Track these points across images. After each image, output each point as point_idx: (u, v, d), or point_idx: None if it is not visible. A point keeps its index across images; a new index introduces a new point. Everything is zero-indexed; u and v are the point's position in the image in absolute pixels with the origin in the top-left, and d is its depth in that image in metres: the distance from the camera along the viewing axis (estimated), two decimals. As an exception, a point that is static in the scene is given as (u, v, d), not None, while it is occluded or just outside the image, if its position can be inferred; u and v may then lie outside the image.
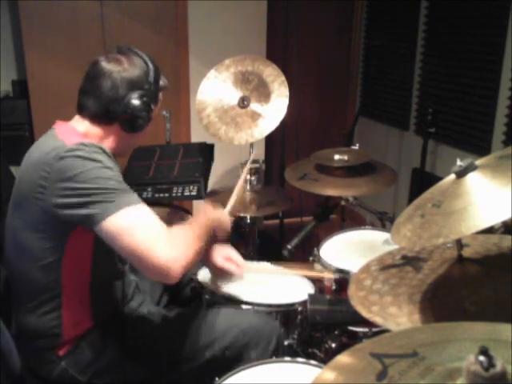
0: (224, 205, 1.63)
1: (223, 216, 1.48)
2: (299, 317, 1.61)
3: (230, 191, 2.18)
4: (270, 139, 3.42)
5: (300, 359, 1.31)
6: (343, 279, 1.70)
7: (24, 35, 3.05)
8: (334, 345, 1.71)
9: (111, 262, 1.43)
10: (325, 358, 1.68)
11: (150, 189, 2.25)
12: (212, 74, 2.30)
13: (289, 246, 1.92)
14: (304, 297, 1.60)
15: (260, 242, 2.58)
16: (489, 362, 0.55)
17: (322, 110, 3.88)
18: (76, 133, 1.33)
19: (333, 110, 3.93)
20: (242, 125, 2.22)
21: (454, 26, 2.79)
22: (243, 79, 2.27)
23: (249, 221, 2.34)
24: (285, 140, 2.90)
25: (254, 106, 2.24)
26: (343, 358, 0.68)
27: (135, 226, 1.18)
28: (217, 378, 1.21)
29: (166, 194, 2.24)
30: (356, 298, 1.06)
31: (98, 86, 1.32)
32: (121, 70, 1.33)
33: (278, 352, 1.46)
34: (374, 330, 1.65)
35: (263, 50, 3.44)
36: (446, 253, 1.11)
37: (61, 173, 1.20)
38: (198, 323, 1.46)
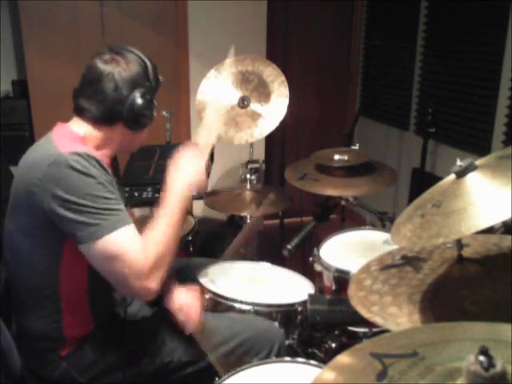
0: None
1: (191, 166, 1.40)
2: (299, 317, 1.61)
3: (230, 190, 2.18)
4: (270, 139, 3.42)
5: (300, 359, 1.31)
6: (343, 279, 1.70)
7: (24, 35, 3.05)
8: (334, 345, 1.72)
9: None
10: (325, 358, 1.68)
11: (149, 189, 2.25)
12: (212, 73, 2.30)
13: (289, 246, 1.92)
14: (304, 297, 1.60)
15: (260, 241, 2.58)
16: (489, 362, 0.55)
17: (322, 110, 3.88)
18: (75, 137, 1.32)
19: (333, 110, 3.92)
20: (242, 125, 2.22)
21: (454, 26, 2.79)
22: (243, 79, 2.27)
23: (249, 220, 2.34)
24: (285, 140, 2.90)
25: (254, 105, 2.24)
26: (343, 358, 0.68)
27: (115, 255, 1.20)
28: (217, 378, 1.21)
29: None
30: (356, 297, 1.06)
31: (101, 89, 1.31)
32: (120, 70, 1.33)
33: (279, 354, 1.46)
34: (374, 330, 1.66)
35: (263, 50, 3.44)
36: (446, 253, 1.11)
37: (53, 181, 1.19)
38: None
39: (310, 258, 1.88)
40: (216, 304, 1.59)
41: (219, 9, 3.35)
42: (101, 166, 1.24)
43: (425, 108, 3.00)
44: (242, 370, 1.25)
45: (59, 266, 1.29)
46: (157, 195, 2.24)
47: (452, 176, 0.95)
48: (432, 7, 2.98)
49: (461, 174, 0.92)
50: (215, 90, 2.27)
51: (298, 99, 2.57)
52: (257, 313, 1.56)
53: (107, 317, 1.43)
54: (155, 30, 3.30)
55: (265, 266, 1.89)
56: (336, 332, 1.74)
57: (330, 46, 3.79)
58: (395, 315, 0.98)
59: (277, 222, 3.02)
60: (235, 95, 2.25)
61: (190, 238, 2.32)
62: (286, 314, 1.60)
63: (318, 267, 1.84)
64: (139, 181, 2.29)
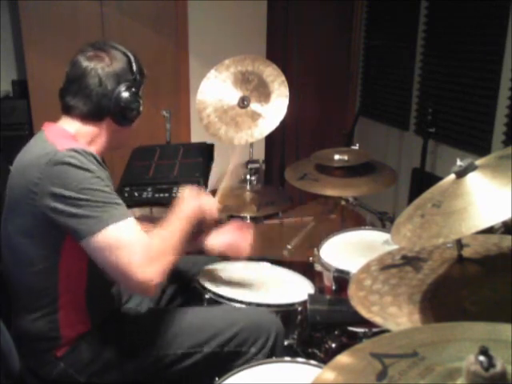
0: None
1: (207, 203, 1.47)
2: (299, 317, 1.61)
3: (230, 190, 2.18)
4: (270, 139, 3.42)
5: (300, 359, 1.31)
6: (343, 279, 1.70)
7: (24, 35, 3.05)
8: (334, 345, 1.72)
9: None
10: (325, 358, 1.68)
11: (149, 189, 2.25)
12: (212, 74, 2.29)
13: (289, 246, 1.92)
14: (304, 297, 1.60)
15: (260, 241, 2.57)
16: (489, 362, 0.55)
17: (322, 110, 3.88)
18: (67, 135, 1.32)
19: (333, 110, 3.93)
20: (242, 125, 2.22)
21: (454, 26, 2.79)
22: (243, 79, 2.27)
23: (249, 220, 2.34)
24: (285, 140, 2.90)
25: (254, 105, 2.24)
26: (343, 358, 0.68)
27: (117, 247, 1.19)
28: (217, 378, 1.21)
29: (166, 194, 2.24)
30: (356, 297, 1.06)
31: (85, 84, 1.32)
32: (104, 65, 1.34)
33: (277, 346, 1.46)
34: (374, 330, 1.65)
35: (263, 50, 3.44)
36: (446, 253, 1.11)
37: (52, 179, 1.20)
38: (197, 319, 1.46)
39: (310, 258, 1.88)
40: (216, 304, 1.59)
41: (219, 9, 3.35)
42: (97, 161, 1.25)
43: (425, 108, 3.00)
44: (242, 370, 1.25)
45: (58, 265, 1.29)
46: (157, 195, 2.24)
47: (452, 176, 0.95)
48: (432, 7, 2.98)
49: (461, 173, 0.92)
50: (215, 89, 2.27)
51: (297, 99, 2.57)
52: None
53: (104, 315, 1.43)
54: (155, 30, 3.31)
55: (265, 266, 1.89)
56: (336, 332, 1.74)
57: (330, 46, 3.79)
58: (395, 315, 0.98)
59: (277, 222, 3.02)
60: (235, 95, 2.25)
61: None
62: (285, 314, 1.60)
63: (318, 267, 1.84)
64: (139, 181, 2.29)
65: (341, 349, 1.68)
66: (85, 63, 1.33)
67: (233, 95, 2.26)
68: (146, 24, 3.28)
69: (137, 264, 1.20)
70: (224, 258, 1.92)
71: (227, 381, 1.21)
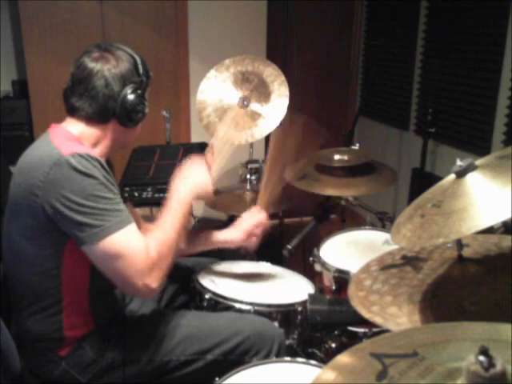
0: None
1: (201, 183, 1.46)
2: (299, 317, 1.61)
3: (230, 190, 2.18)
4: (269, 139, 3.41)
5: (300, 359, 1.31)
6: (343, 279, 1.70)
7: (24, 35, 3.05)
8: (334, 345, 1.72)
9: None
10: (325, 358, 1.68)
11: (149, 189, 2.25)
12: (212, 74, 2.29)
13: (289, 246, 1.92)
14: (304, 297, 1.60)
15: (260, 242, 2.57)
16: (489, 362, 0.55)
17: (322, 110, 3.88)
18: (71, 137, 1.32)
19: (333, 110, 3.92)
20: (242, 125, 2.22)
21: (454, 26, 2.79)
22: (243, 79, 2.27)
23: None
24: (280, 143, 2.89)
25: (254, 105, 2.24)
26: (343, 358, 0.68)
27: (118, 254, 1.21)
28: (217, 378, 1.21)
29: (166, 194, 2.24)
30: (356, 298, 1.06)
31: (92, 86, 1.31)
32: (110, 66, 1.33)
33: (279, 354, 1.46)
34: (374, 330, 1.65)
35: (263, 50, 3.44)
36: (446, 253, 1.11)
37: (56, 183, 1.19)
38: (201, 326, 1.46)
39: (310, 258, 1.88)
40: (216, 304, 1.59)
41: (219, 9, 3.35)
42: (102, 166, 1.25)
43: (425, 108, 3.00)
44: (242, 369, 1.25)
45: (61, 266, 1.29)
46: (157, 195, 2.24)
47: (452, 176, 0.95)
48: (432, 7, 2.98)
49: (461, 174, 0.92)
50: (215, 90, 2.27)
51: (297, 99, 2.57)
52: (257, 313, 1.56)
53: (107, 317, 1.43)
54: (155, 30, 3.30)
55: (265, 266, 1.89)
56: (336, 332, 1.74)
57: (330, 46, 3.79)
58: (395, 315, 0.98)
59: (277, 222, 3.02)
60: (235, 95, 2.25)
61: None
62: (285, 314, 1.60)
63: (317, 267, 1.84)
64: (139, 181, 2.29)
65: (341, 349, 1.68)
66: (91, 64, 1.33)
67: (233, 95, 2.26)
68: (145, 24, 3.28)
69: (137, 273, 1.22)
70: (223, 257, 1.92)
71: (227, 381, 1.21)
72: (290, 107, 2.20)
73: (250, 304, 1.57)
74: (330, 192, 1.95)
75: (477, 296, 0.94)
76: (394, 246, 1.14)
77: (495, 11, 2.49)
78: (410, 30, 3.16)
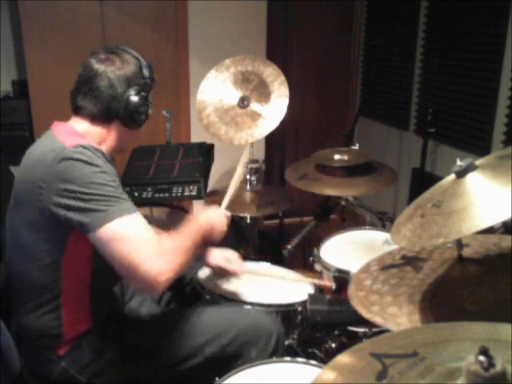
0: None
1: (218, 218, 1.48)
2: (299, 317, 1.61)
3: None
4: (270, 139, 3.42)
5: (300, 359, 1.31)
6: (343, 279, 1.70)
7: (24, 35, 3.05)
8: (334, 345, 1.72)
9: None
10: (325, 358, 1.68)
11: (149, 189, 2.25)
12: (212, 74, 2.30)
13: (289, 246, 1.92)
14: (304, 297, 1.60)
15: (260, 241, 2.58)
16: (489, 362, 0.55)
17: (322, 110, 3.88)
18: (75, 133, 1.33)
19: (333, 110, 3.92)
20: (242, 125, 2.22)
21: (454, 26, 2.79)
22: (243, 79, 2.27)
23: (248, 220, 2.34)
24: (285, 140, 2.90)
25: (254, 105, 2.24)
26: (343, 358, 0.68)
27: (124, 238, 1.18)
28: (217, 378, 1.21)
29: (166, 194, 2.24)
30: (356, 298, 1.06)
31: (96, 86, 1.33)
32: (115, 68, 1.35)
33: (278, 349, 1.46)
34: (374, 330, 1.65)
35: (263, 50, 3.44)
36: (446, 253, 1.11)
37: (59, 174, 1.20)
38: (198, 321, 1.46)
39: (310, 258, 1.88)
40: (216, 304, 1.59)
41: (219, 9, 3.35)
42: (105, 158, 1.27)
43: (425, 108, 3.00)
44: (242, 369, 1.25)
45: (61, 261, 1.29)
46: (157, 195, 2.24)
47: (452, 176, 0.95)
48: (432, 7, 2.98)
49: (461, 173, 0.92)
50: (215, 90, 2.27)
51: (297, 99, 2.57)
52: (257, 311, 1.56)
53: (106, 314, 1.44)
54: (155, 30, 3.30)
55: (265, 266, 1.89)
56: (336, 332, 1.74)
57: (330, 46, 3.79)
58: (395, 315, 0.98)
59: (277, 221, 3.02)
60: (235, 95, 2.25)
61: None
62: (285, 314, 1.60)
63: (317, 267, 1.84)
64: (139, 181, 2.29)
65: (341, 349, 1.68)
66: (96, 65, 1.35)
67: (233, 95, 2.26)
68: (145, 24, 3.27)
69: (143, 256, 1.18)
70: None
71: (227, 381, 1.21)
72: (290, 107, 2.20)
73: (250, 304, 1.57)
74: (330, 192, 1.95)
75: (477, 296, 0.94)
76: (394, 246, 1.14)
77: (495, 11, 2.48)
78: (409, 30, 3.16)
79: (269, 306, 1.58)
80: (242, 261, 1.68)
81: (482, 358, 0.55)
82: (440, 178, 1.02)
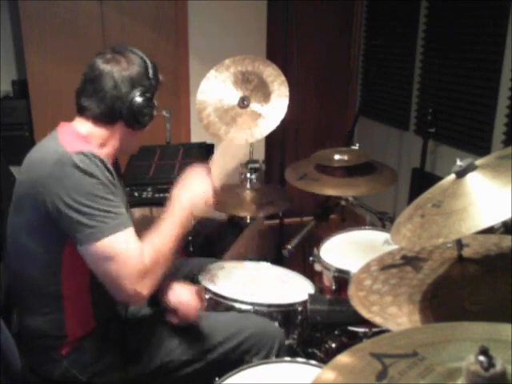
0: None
1: (200, 189, 1.42)
2: (299, 317, 1.61)
3: (230, 190, 2.18)
4: (270, 139, 3.42)
5: (300, 359, 1.31)
6: (343, 279, 1.70)
7: (24, 35, 3.05)
8: (334, 345, 1.72)
9: None
10: (325, 358, 1.68)
11: (149, 189, 2.25)
12: (212, 74, 2.29)
13: (289, 246, 1.92)
14: (304, 297, 1.60)
15: (260, 241, 2.57)
16: (489, 362, 0.55)
17: (322, 110, 3.88)
18: (78, 136, 1.33)
19: (333, 110, 3.92)
20: (242, 125, 2.22)
21: (454, 26, 2.79)
22: (243, 79, 2.27)
23: (248, 220, 2.34)
24: (285, 140, 2.89)
25: (254, 105, 2.24)
26: (343, 358, 0.68)
27: (111, 258, 1.20)
28: (217, 378, 1.21)
29: (166, 194, 2.24)
30: (356, 297, 1.06)
31: (101, 86, 1.33)
32: (120, 68, 1.34)
33: (280, 356, 1.46)
34: (374, 330, 1.65)
35: (263, 50, 3.44)
36: (446, 253, 1.11)
37: (57, 180, 1.20)
38: (203, 326, 1.46)
39: (310, 258, 1.88)
40: (216, 304, 1.59)
41: (219, 9, 3.35)
42: (105, 166, 1.26)
43: (425, 108, 3.00)
44: (242, 369, 1.25)
45: (62, 264, 1.30)
46: (157, 195, 2.24)
47: (452, 176, 0.95)
48: (432, 7, 2.98)
49: (461, 174, 0.92)
50: (215, 90, 2.27)
51: (297, 99, 2.57)
52: (257, 313, 1.56)
53: (108, 316, 1.44)
54: (155, 30, 3.30)
55: (265, 266, 1.89)
56: (336, 332, 1.74)
57: (330, 46, 3.79)
58: (395, 315, 0.98)
59: (277, 221, 3.02)
60: (235, 95, 2.25)
61: (189, 237, 2.32)
62: (286, 314, 1.60)
63: (317, 267, 1.84)
64: (139, 181, 2.29)
65: (341, 349, 1.68)
66: (102, 66, 1.34)
67: (233, 95, 2.26)
68: (145, 24, 3.28)
69: (128, 277, 1.21)
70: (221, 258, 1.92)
71: (227, 381, 1.21)
72: (290, 107, 2.20)
73: (250, 304, 1.57)
74: (330, 192, 1.95)
75: (477, 296, 0.94)
76: (394, 246, 1.14)
77: (495, 11, 2.48)
78: (410, 30, 3.16)
79: (269, 305, 1.58)
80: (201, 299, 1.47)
81: (481, 357, 0.55)
82: (440, 178, 1.01)
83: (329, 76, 3.84)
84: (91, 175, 1.21)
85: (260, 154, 3.43)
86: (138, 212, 2.21)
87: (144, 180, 2.30)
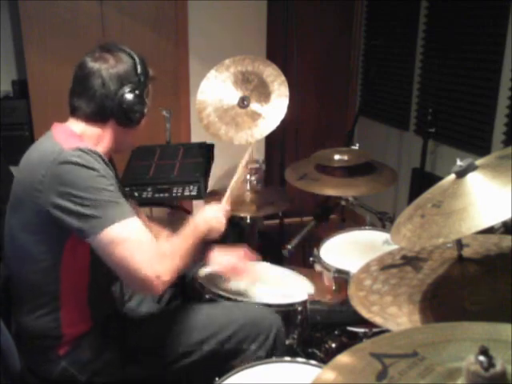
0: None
1: (215, 216, 1.49)
2: (299, 317, 1.61)
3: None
4: (270, 139, 3.42)
5: (300, 359, 1.31)
6: (343, 279, 1.70)
7: (24, 35, 3.05)
8: (334, 345, 1.71)
9: None
10: (325, 358, 1.68)
11: (149, 189, 2.25)
12: (212, 74, 2.29)
13: (289, 246, 1.92)
14: (304, 297, 1.60)
15: (260, 241, 2.58)
16: (489, 362, 0.55)
17: (322, 110, 3.88)
18: (73, 135, 1.33)
19: (333, 110, 3.92)
20: (242, 125, 2.22)
21: (454, 26, 2.79)
22: (243, 79, 2.27)
23: (249, 220, 2.34)
24: (285, 140, 2.89)
25: (254, 105, 2.24)
26: (343, 358, 0.68)
27: (123, 242, 1.19)
28: (217, 378, 1.21)
29: (166, 194, 2.24)
30: (356, 298, 1.06)
31: (89, 85, 1.33)
32: (108, 66, 1.34)
33: (277, 344, 1.46)
34: (374, 330, 1.65)
35: (263, 50, 3.44)
36: (446, 253, 1.11)
37: (57, 177, 1.20)
38: (197, 317, 1.47)
39: (310, 258, 1.88)
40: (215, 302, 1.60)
41: (219, 9, 3.35)
42: (103, 160, 1.26)
43: (425, 108, 3.00)
44: (242, 369, 1.25)
45: (60, 262, 1.29)
46: (157, 195, 2.24)
47: (452, 176, 0.95)
48: (432, 7, 2.98)
49: (461, 173, 0.92)
50: (215, 90, 2.27)
51: (297, 99, 2.57)
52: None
53: (106, 314, 1.44)
54: (155, 30, 3.30)
55: (265, 266, 1.89)
56: (336, 332, 1.74)
57: (330, 46, 3.79)
58: (395, 315, 0.98)
59: (277, 221, 3.02)
60: (235, 95, 2.25)
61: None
62: (286, 314, 1.60)
63: (317, 267, 1.84)
64: (139, 181, 2.29)
65: (341, 349, 1.68)
66: (90, 64, 1.34)
67: (233, 95, 2.26)
68: (145, 24, 3.27)
69: (143, 259, 1.19)
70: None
71: (227, 381, 1.21)
72: (290, 107, 2.20)
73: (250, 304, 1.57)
74: (330, 192, 1.95)
75: (477, 296, 0.94)
76: (394, 246, 1.14)
77: (495, 11, 2.48)
78: (410, 30, 3.16)
79: (269, 306, 1.58)
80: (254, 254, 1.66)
81: (482, 357, 0.55)
82: (440, 178, 1.01)
83: (329, 76, 3.84)
84: (90, 168, 1.21)
85: (260, 154, 3.44)
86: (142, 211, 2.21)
87: (144, 180, 2.30)
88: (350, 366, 0.66)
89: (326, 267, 1.78)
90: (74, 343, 1.36)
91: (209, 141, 2.58)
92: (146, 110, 1.42)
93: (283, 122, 2.21)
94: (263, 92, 2.24)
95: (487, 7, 2.54)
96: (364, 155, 2.08)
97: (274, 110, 2.21)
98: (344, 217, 2.70)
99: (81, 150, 1.23)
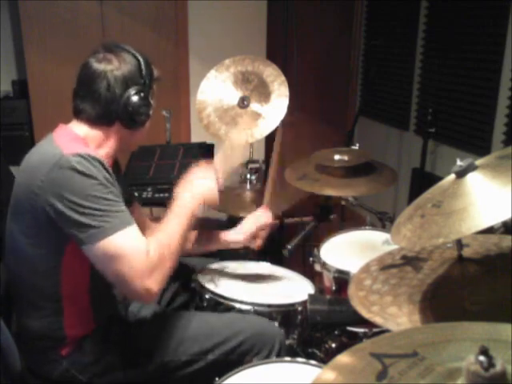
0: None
1: (205, 189, 1.44)
2: (299, 317, 1.61)
3: (230, 190, 2.18)
4: (270, 139, 3.42)
5: (300, 359, 1.31)
6: (343, 279, 1.70)
7: (24, 35, 3.05)
8: (334, 345, 1.72)
9: None
10: (325, 358, 1.68)
11: (149, 189, 2.25)
12: (212, 74, 2.29)
13: (289, 246, 1.92)
14: (304, 297, 1.60)
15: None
16: (489, 362, 0.55)
17: (322, 110, 3.88)
18: (75, 138, 1.32)
19: (333, 110, 3.92)
20: (242, 125, 2.21)
21: (454, 26, 2.79)
22: (243, 79, 2.27)
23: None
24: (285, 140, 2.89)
25: (254, 105, 2.24)
26: (343, 358, 0.68)
27: (117, 256, 1.19)
28: (217, 378, 1.21)
29: (166, 194, 2.24)
30: (356, 298, 1.06)
31: (94, 88, 1.31)
32: (113, 68, 1.33)
33: (280, 354, 1.46)
34: (374, 330, 1.65)
35: (263, 50, 3.44)
36: (446, 253, 1.11)
37: (56, 183, 1.19)
38: (203, 327, 1.46)
39: (310, 258, 1.88)
40: (216, 304, 1.59)
41: (219, 9, 3.35)
42: (103, 167, 1.24)
43: (425, 108, 3.00)
44: (242, 370, 1.25)
45: (61, 265, 1.29)
46: (157, 195, 2.24)
47: (452, 176, 0.95)
48: (432, 7, 2.98)
49: (461, 174, 0.92)
50: (215, 90, 2.27)
51: (297, 99, 2.57)
52: (257, 313, 1.56)
53: (108, 316, 1.44)
54: (155, 30, 3.31)
55: (265, 266, 1.89)
56: (336, 332, 1.74)
57: (330, 46, 3.80)
58: (395, 315, 0.98)
59: (277, 222, 3.01)
60: (235, 95, 2.25)
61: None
62: (285, 314, 1.60)
63: (317, 267, 1.84)
64: (139, 181, 2.29)
65: (341, 349, 1.68)
66: (94, 66, 1.33)
67: (233, 95, 2.25)
68: (145, 24, 3.28)
69: (136, 275, 1.20)
70: (223, 257, 1.92)
71: (227, 381, 1.21)
72: (290, 107, 2.20)
73: (250, 304, 1.56)
74: (330, 192, 1.95)
75: (477, 296, 0.94)
76: (394, 246, 1.14)
77: (495, 11, 2.49)
78: (410, 30, 3.16)
79: (269, 305, 1.58)
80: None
81: (482, 357, 0.55)
82: (440, 178, 1.01)
83: (329, 76, 3.84)
84: (90, 176, 1.20)
85: (260, 154, 3.43)
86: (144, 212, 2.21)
87: (144, 180, 2.30)
88: (350, 366, 0.66)
89: (326, 267, 1.78)
90: (76, 344, 1.36)
91: (209, 141, 2.58)
92: (151, 112, 1.41)
93: (283, 121, 2.21)
94: (263, 92, 2.24)
95: (487, 7, 2.54)
96: (364, 155, 2.08)
97: (274, 110, 2.21)
98: (344, 217, 2.70)
99: (80, 155, 1.21)
